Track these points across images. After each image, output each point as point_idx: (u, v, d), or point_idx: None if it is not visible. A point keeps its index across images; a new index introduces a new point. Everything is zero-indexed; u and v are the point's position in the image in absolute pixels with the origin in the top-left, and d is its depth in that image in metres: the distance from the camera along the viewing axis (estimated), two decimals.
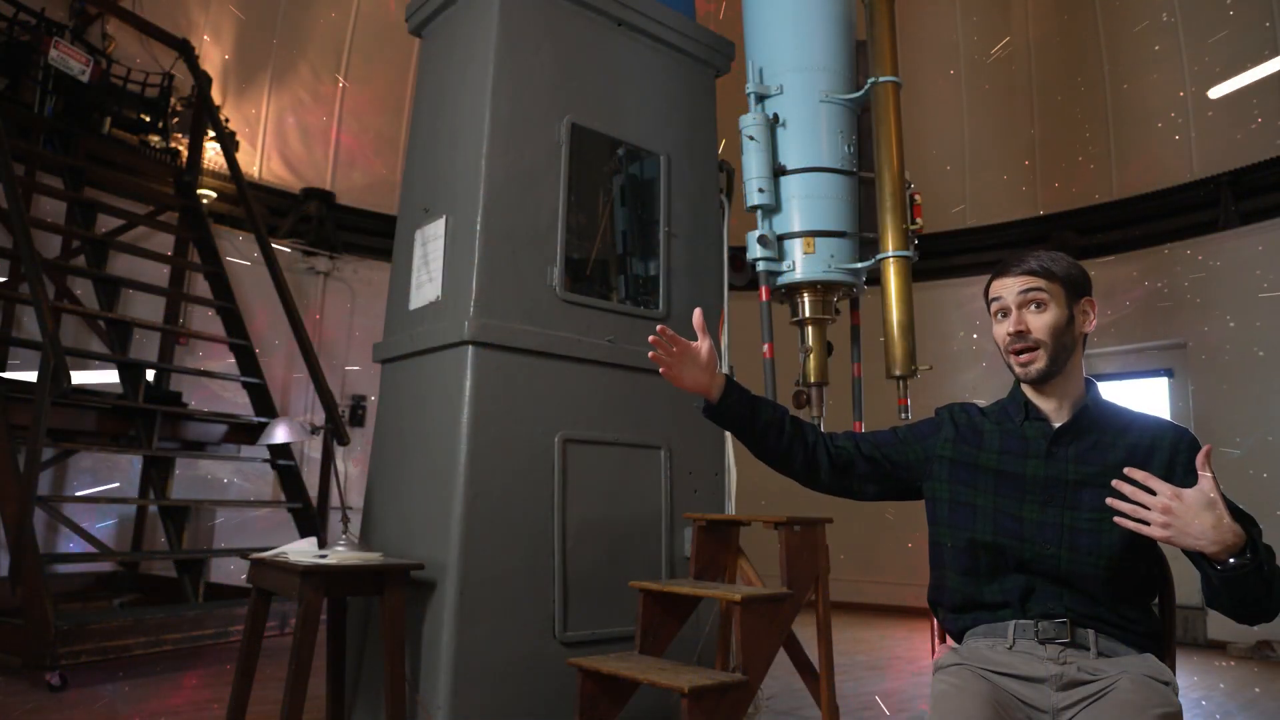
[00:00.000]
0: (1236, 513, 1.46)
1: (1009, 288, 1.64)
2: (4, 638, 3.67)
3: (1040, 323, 1.61)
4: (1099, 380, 1.74)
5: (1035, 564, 1.58)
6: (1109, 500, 1.41)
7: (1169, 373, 6.62)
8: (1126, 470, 1.40)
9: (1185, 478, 1.51)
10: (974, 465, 1.67)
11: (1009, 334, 1.63)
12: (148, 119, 6.05)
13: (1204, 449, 1.39)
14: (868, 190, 3.41)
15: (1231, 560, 1.35)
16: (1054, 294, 1.62)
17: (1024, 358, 1.62)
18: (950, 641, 1.73)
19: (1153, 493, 1.36)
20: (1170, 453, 1.57)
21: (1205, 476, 1.36)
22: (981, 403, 1.81)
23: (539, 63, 3.25)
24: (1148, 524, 1.36)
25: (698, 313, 1.81)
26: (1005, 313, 1.65)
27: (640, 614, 2.61)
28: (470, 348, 2.90)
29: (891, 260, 3.23)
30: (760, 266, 3.30)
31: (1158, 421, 1.63)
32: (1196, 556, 1.40)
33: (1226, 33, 6.40)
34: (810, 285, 3.34)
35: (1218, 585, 1.39)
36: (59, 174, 5.62)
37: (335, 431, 4.78)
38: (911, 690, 4.29)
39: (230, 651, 3.70)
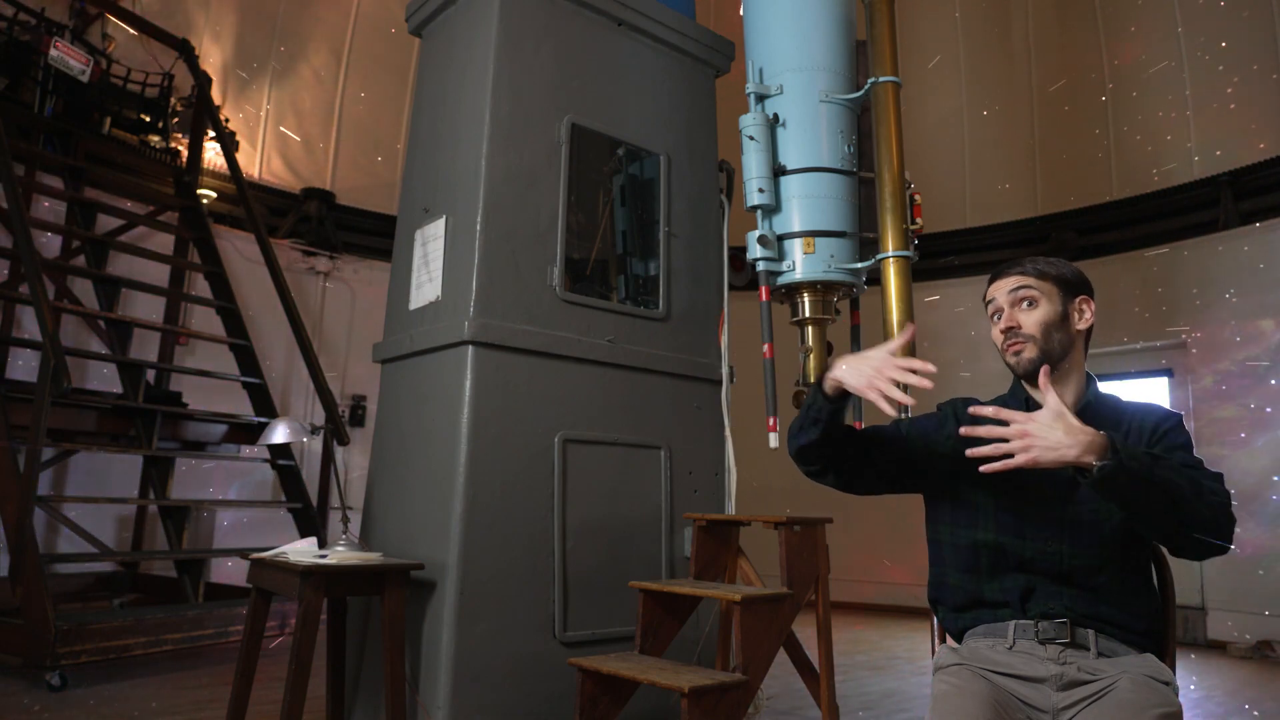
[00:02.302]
0: (1200, 469, 1.51)
1: (1002, 289, 1.68)
2: (4, 638, 3.67)
3: (1030, 319, 1.64)
4: (1099, 380, 1.75)
5: (1036, 562, 1.58)
6: (969, 451, 1.44)
7: (1169, 373, 6.62)
8: (971, 409, 1.47)
9: (1158, 448, 1.56)
10: (974, 465, 1.67)
11: (1001, 331, 1.67)
12: (148, 119, 6.05)
13: (1042, 369, 1.47)
14: (868, 190, 3.41)
15: (1096, 463, 1.36)
16: (1045, 292, 1.65)
17: (1014, 348, 1.65)
18: (950, 641, 1.73)
19: (1004, 424, 1.41)
20: (1153, 430, 1.59)
21: (1048, 393, 1.42)
22: (981, 399, 1.81)
23: (539, 63, 3.25)
24: (1011, 456, 1.39)
25: (910, 328, 1.74)
26: (999, 313, 1.68)
27: (640, 614, 2.61)
28: (470, 348, 2.90)
29: (891, 260, 3.23)
30: (760, 266, 3.30)
31: (1149, 406, 1.66)
32: (1073, 474, 1.41)
33: (1228, 32, 6.40)
34: (810, 285, 3.34)
35: (1107, 497, 1.42)
36: (59, 174, 5.62)
37: (335, 431, 4.78)
38: (911, 690, 4.29)
39: (230, 651, 3.70)
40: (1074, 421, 1.38)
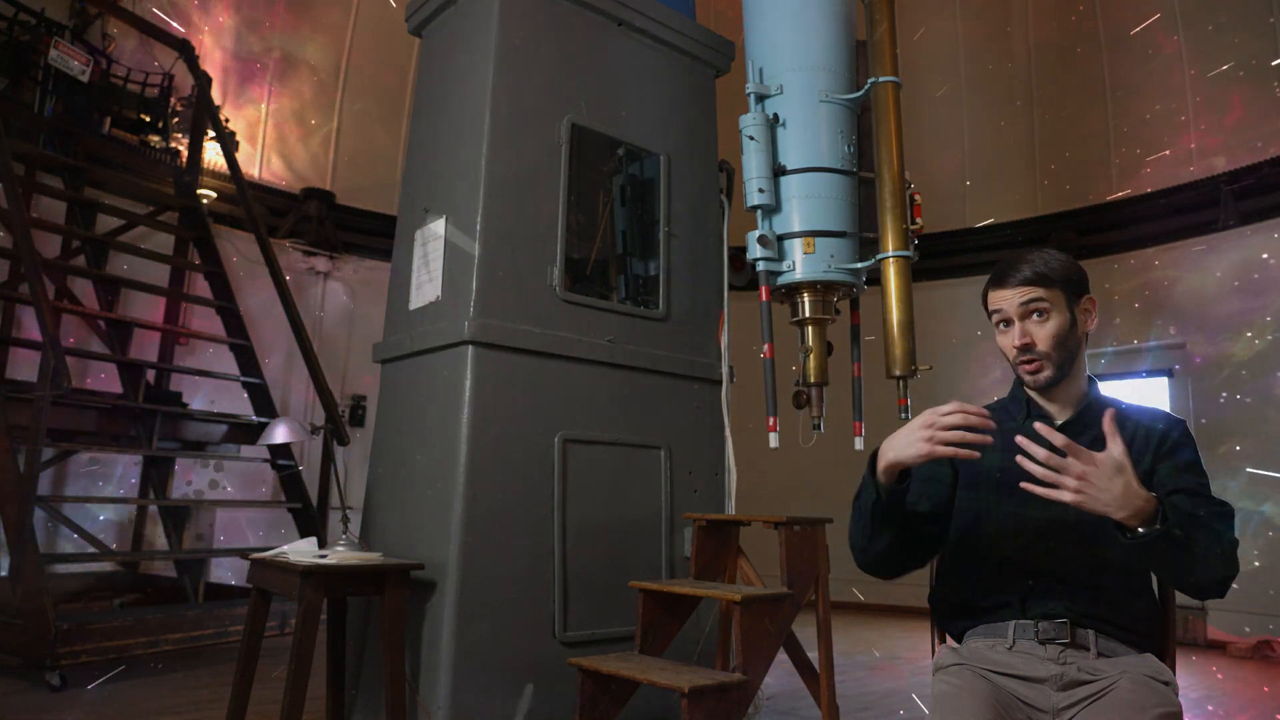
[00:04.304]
0: (1209, 498, 1.49)
1: (1008, 299, 1.62)
2: (4, 638, 3.67)
3: (1044, 333, 1.60)
4: (1099, 380, 1.73)
5: (1039, 564, 1.57)
6: (1022, 484, 1.36)
7: (1169, 373, 6.62)
8: (1036, 426, 1.35)
9: (1165, 461, 1.54)
10: (976, 470, 1.67)
11: (1015, 347, 1.62)
12: (148, 119, 6.05)
13: (1107, 413, 1.35)
14: (868, 190, 3.41)
15: (1140, 530, 1.33)
16: (1054, 300, 1.60)
17: (1030, 368, 1.61)
18: (950, 641, 1.73)
19: (1062, 454, 1.33)
20: (1160, 439, 1.58)
21: (1114, 442, 1.33)
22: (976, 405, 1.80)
23: (539, 63, 3.25)
24: (1058, 488, 1.33)
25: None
26: (1007, 323, 1.64)
27: (640, 614, 2.61)
28: (470, 348, 2.90)
29: (891, 260, 3.22)
30: (760, 266, 3.30)
31: (1154, 411, 1.64)
32: (1112, 526, 1.38)
33: (1227, 32, 6.40)
34: (810, 285, 3.33)
35: (1131, 553, 1.37)
36: (59, 174, 5.62)
37: (335, 431, 4.78)
38: (911, 690, 4.29)
39: (230, 651, 3.70)
40: (1134, 482, 1.32)
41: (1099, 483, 1.31)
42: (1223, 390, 6.16)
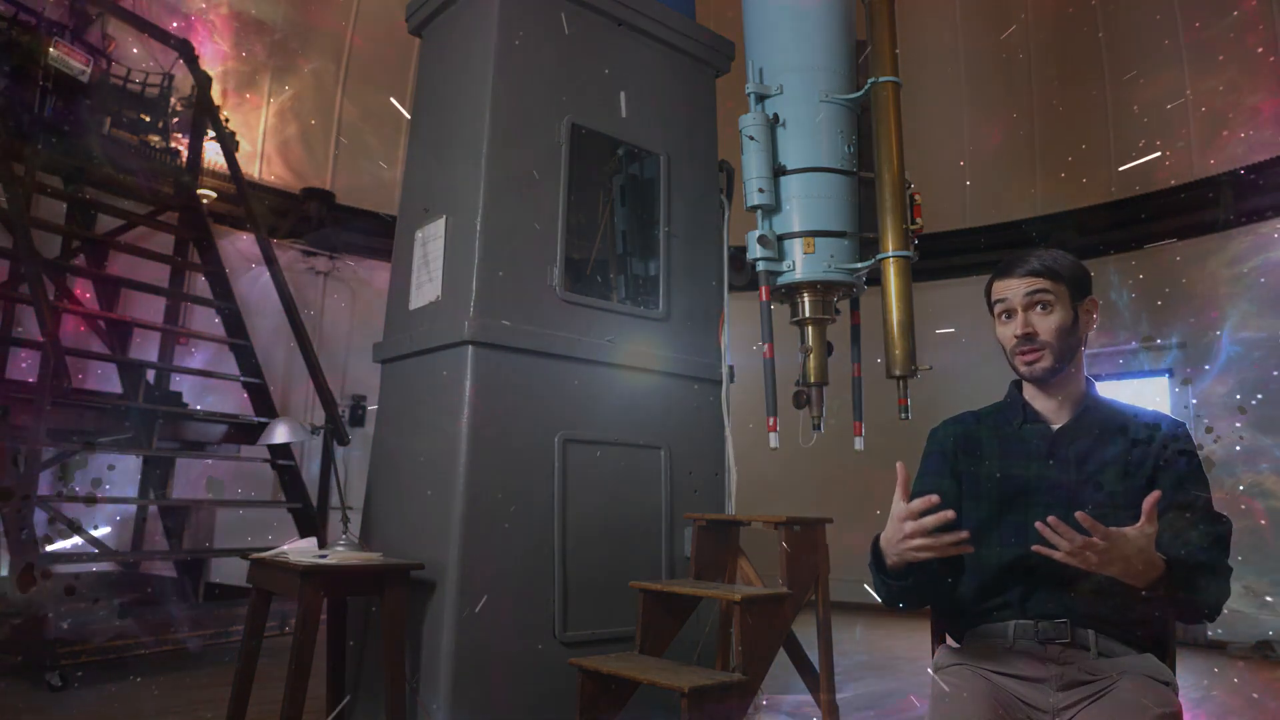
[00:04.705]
0: (1208, 515, 1.50)
1: (1014, 289, 1.63)
2: (4, 638, 3.67)
3: (1047, 324, 1.60)
4: (1099, 380, 1.73)
5: (1042, 568, 1.57)
6: (1034, 547, 1.38)
7: (1169, 373, 6.62)
8: (1078, 516, 1.33)
9: (1166, 470, 1.54)
10: (975, 475, 1.67)
11: (1016, 336, 1.62)
12: (148, 119, 6.05)
13: (1151, 496, 1.34)
14: (868, 190, 3.41)
15: (1145, 593, 1.39)
16: (1059, 295, 1.61)
17: (1029, 357, 1.61)
18: (950, 641, 1.72)
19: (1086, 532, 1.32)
20: (1161, 445, 1.57)
21: (1150, 525, 1.34)
22: (974, 408, 1.79)
23: (539, 62, 3.25)
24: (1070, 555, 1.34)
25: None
26: (1010, 314, 1.64)
27: (640, 614, 2.61)
28: (470, 348, 2.90)
29: (891, 260, 3.23)
30: (760, 266, 3.30)
31: (1154, 415, 1.63)
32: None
33: (1226, 32, 6.40)
34: (810, 285, 3.34)
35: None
36: (59, 174, 5.62)
37: (335, 431, 4.78)
38: (911, 690, 4.29)
39: (230, 651, 3.71)
40: (1153, 553, 1.36)
41: (1127, 551, 1.34)
42: (1222, 391, 6.16)
